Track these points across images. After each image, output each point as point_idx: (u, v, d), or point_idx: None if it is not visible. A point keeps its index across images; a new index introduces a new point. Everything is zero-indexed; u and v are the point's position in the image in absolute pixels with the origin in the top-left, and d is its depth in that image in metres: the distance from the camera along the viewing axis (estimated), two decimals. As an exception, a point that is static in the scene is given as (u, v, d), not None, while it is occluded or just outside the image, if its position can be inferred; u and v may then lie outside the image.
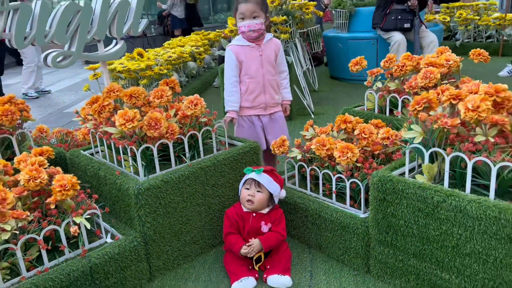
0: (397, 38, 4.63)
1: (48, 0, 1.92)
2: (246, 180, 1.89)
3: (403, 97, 2.33)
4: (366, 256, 1.78)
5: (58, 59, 2.01)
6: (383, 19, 4.70)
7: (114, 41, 2.27)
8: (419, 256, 1.58)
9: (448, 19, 7.10)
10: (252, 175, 1.86)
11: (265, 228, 1.85)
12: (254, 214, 1.86)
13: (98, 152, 2.15)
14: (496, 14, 6.51)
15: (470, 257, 1.43)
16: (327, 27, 6.46)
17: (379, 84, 2.44)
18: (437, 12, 7.69)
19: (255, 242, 1.81)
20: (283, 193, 1.94)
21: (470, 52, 2.38)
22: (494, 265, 1.38)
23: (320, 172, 1.96)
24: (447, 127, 1.49)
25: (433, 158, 1.59)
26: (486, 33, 6.64)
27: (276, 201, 1.91)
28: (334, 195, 1.94)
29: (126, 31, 2.22)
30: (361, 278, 1.78)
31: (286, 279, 1.74)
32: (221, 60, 4.99)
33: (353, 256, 1.81)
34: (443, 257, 1.51)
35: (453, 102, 1.58)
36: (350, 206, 1.88)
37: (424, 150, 1.56)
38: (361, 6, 5.24)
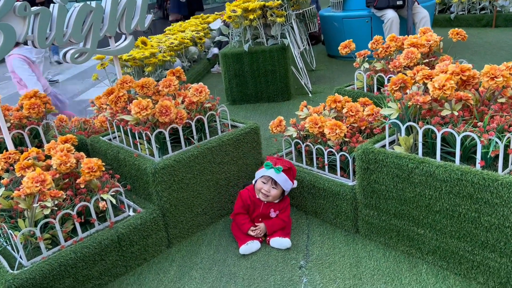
0: (390, 15, 4.81)
1: (62, 2, 2.14)
2: (264, 175, 2.06)
3: (389, 76, 2.56)
4: (355, 218, 2.04)
5: (76, 56, 2.24)
6: (376, -3, 4.87)
7: (124, 36, 2.49)
8: (398, 215, 1.84)
9: (443, -8, 7.21)
10: (271, 173, 2.02)
11: (273, 214, 2.10)
12: (265, 202, 2.09)
13: (115, 137, 2.41)
14: (489, -14, 6.61)
15: (439, 213, 1.69)
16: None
17: (366, 65, 2.66)
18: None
19: (261, 226, 2.07)
20: (295, 184, 2.13)
21: (449, 32, 2.59)
22: (458, 219, 1.63)
23: (314, 147, 2.20)
24: (419, 104, 1.73)
25: (409, 131, 1.83)
26: (479, 4, 6.75)
27: (287, 193, 2.13)
28: (326, 167, 2.19)
29: (134, 27, 2.43)
30: (351, 237, 2.04)
31: (286, 241, 2.01)
32: (221, 45, 5.19)
33: (344, 219, 2.08)
34: (418, 215, 1.76)
35: (426, 81, 1.82)
36: (340, 176, 2.14)
37: (400, 124, 1.80)
38: (355, -16, 5.39)
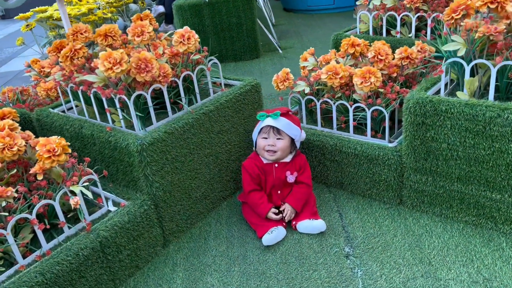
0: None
1: None
2: (262, 128, 1.65)
3: (402, 14, 2.16)
4: (399, 187, 1.65)
5: (4, -3, 1.60)
6: None
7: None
8: (464, 179, 1.47)
9: None
10: (269, 121, 1.62)
11: (291, 178, 1.65)
12: (276, 165, 1.65)
13: (71, 108, 1.81)
14: None
15: (527, 173, 1.34)
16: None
17: (376, 2, 2.23)
18: None
19: (286, 208, 1.62)
20: (303, 135, 1.73)
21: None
22: (557, 178, 1.29)
23: (334, 103, 1.76)
24: (493, 34, 1.33)
25: (473, 71, 1.44)
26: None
27: (298, 145, 1.71)
28: (352, 127, 1.76)
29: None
30: (395, 210, 1.66)
31: (320, 223, 1.58)
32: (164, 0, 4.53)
33: (383, 189, 1.68)
34: (494, 176, 1.40)
35: (491, 6, 1.42)
36: (371, 136, 1.73)
37: (464, 63, 1.40)
38: None
